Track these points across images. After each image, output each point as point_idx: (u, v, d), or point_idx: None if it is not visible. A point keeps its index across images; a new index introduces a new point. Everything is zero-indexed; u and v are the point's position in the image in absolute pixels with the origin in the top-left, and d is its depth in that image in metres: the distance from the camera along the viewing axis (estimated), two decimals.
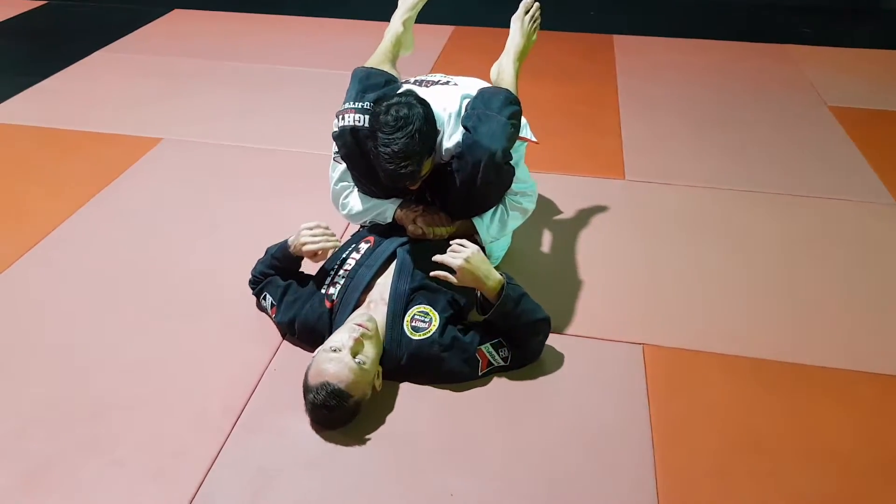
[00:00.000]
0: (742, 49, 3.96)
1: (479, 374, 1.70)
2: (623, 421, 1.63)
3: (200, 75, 3.56)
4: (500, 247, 2.09)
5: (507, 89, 1.85)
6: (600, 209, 2.45)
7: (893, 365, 1.80)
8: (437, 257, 1.66)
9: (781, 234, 2.33)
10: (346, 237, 1.94)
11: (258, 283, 1.91)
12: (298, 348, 1.80)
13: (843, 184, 2.62)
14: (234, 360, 1.78)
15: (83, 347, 1.83)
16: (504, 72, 1.96)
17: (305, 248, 1.78)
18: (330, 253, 1.81)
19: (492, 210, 1.86)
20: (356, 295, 1.73)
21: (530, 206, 1.95)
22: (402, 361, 1.67)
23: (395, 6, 2.17)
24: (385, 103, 1.66)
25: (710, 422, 1.63)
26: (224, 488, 1.46)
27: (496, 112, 1.73)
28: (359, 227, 2.00)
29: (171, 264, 2.16)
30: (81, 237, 2.29)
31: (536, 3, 2.05)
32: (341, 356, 1.53)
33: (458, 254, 1.65)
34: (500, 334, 1.71)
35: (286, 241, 1.85)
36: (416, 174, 1.65)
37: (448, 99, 1.81)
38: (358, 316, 1.66)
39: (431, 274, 1.68)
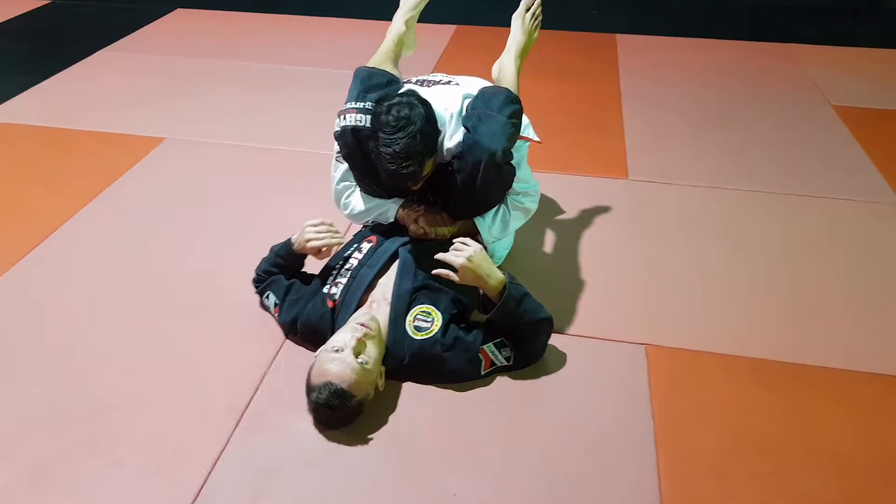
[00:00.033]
0: (745, 48, 3.95)
1: (482, 373, 1.70)
2: (625, 421, 1.62)
3: (203, 74, 3.56)
4: (502, 246, 2.09)
5: (508, 88, 1.85)
6: (603, 209, 2.44)
7: (894, 365, 1.79)
8: (440, 255, 1.66)
9: (784, 234, 2.32)
10: (349, 237, 1.93)
11: (262, 281, 1.91)
12: (301, 348, 1.80)
13: (847, 183, 2.61)
14: (236, 359, 1.78)
15: (85, 347, 1.83)
16: (505, 70, 1.96)
17: (310, 244, 1.78)
18: (334, 250, 1.81)
19: (494, 210, 1.86)
20: (358, 295, 1.73)
21: (532, 206, 1.94)
22: (404, 361, 1.67)
23: (397, 5, 2.16)
24: (386, 103, 1.66)
25: (713, 422, 1.63)
26: (226, 488, 1.46)
27: (496, 112, 1.73)
28: (361, 226, 2.00)
29: (174, 263, 2.16)
30: (84, 237, 2.29)
31: (538, 1, 2.04)
32: (344, 356, 1.53)
33: (461, 252, 1.65)
34: (503, 334, 1.71)
35: (290, 240, 1.85)
36: (417, 174, 1.65)
37: (449, 99, 1.81)
38: (360, 316, 1.66)
39: (433, 272, 1.67)
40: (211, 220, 2.37)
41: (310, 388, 1.54)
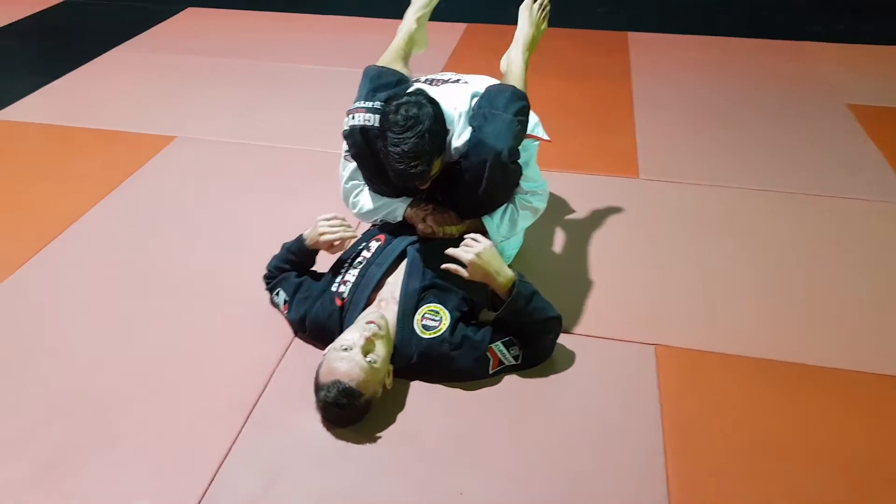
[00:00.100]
0: (758, 46, 3.92)
1: (490, 372, 1.70)
2: (634, 421, 1.62)
3: (214, 73, 3.58)
4: (511, 245, 2.08)
5: (513, 86, 1.83)
6: (613, 208, 2.43)
7: None
8: (450, 251, 1.66)
9: (797, 234, 2.30)
10: (358, 234, 1.93)
11: (272, 278, 1.92)
12: (310, 346, 1.81)
13: (861, 183, 2.58)
14: (245, 357, 1.79)
15: (97, 342, 1.85)
16: (513, 63, 1.95)
17: (323, 238, 1.79)
18: (348, 244, 1.82)
19: (502, 209, 1.86)
20: (367, 293, 1.73)
21: (541, 205, 1.93)
22: (412, 360, 1.67)
23: (407, 3, 2.16)
24: (395, 102, 1.66)
25: (721, 422, 1.62)
26: (235, 484, 1.47)
27: (501, 110, 1.72)
28: (370, 225, 2.00)
29: (186, 260, 2.17)
30: (95, 234, 2.30)
31: None
32: (352, 355, 1.53)
33: (471, 248, 1.65)
34: (511, 332, 1.71)
35: (302, 236, 1.86)
36: (425, 174, 1.65)
37: (458, 97, 1.80)
38: (369, 314, 1.66)
39: (442, 266, 1.67)
40: (224, 217, 2.38)
41: (318, 387, 1.55)
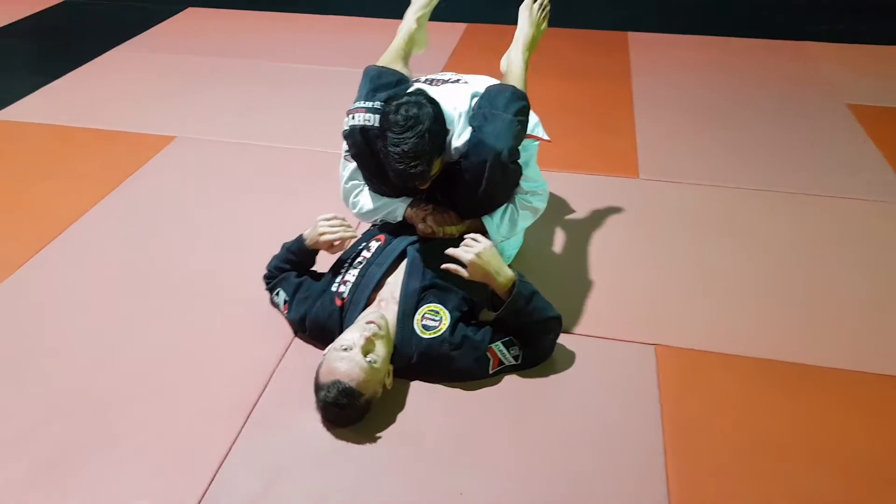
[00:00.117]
0: (759, 46, 3.92)
1: (490, 372, 1.70)
2: (634, 421, 1.62)
3: (214, 73, 3.58)
4: (511, 246, 2.08)
5: (513, 85, 1.83)
6: (613, 208, 2.43)
7: None
8: (450, 250, 1.66)
9: (797, 234, 2.30)
10: (358, 234, 1.93)
11: (272, 278, 1.92)
12: (309, 346, 1.81)
13: (861, 183, 2.58)
14: (246, 356, 1.79)
15: (98, 342, 1.85)
16: (513, 63, 1.95)
17: (323, 238, 1.79)
18: (348, 243, 1.82)
19: (502, 209, 1.86)
20: (367, 293, 1.73)
21: (541, 205, 1.93)
22: (412, 360, 1.67)
23: (406, 3, 2.16)
24: (395, 103, 1.66)
25: (721, 422, 1.62)
26: (235, 484, 1.47)
27: (501, 110, 1.72)
28: (370, 225, 2.00)
29: (186, 260, 2.17)
30: (96, 234, 2.30)
31: None
32: (352, 355, 1.53)
33: (471, 248, 1.65)
34: (511, 332, 1.71)
35: (302, 236, 1.86)
36: (425, 174, 1.65)
37: (458, 97, 1.80)
38: (369, 314, 1.66)
39: (443, 266, 1.67)
40: (224, 218, 2.38)
41: (318, 387, 1.55)
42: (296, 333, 1.85)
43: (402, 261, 1.78)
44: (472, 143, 1.71)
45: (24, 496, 1.44)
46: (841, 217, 2.40)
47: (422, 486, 1.47)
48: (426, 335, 1.66)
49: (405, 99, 1.66)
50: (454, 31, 4.08)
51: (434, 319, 1.68)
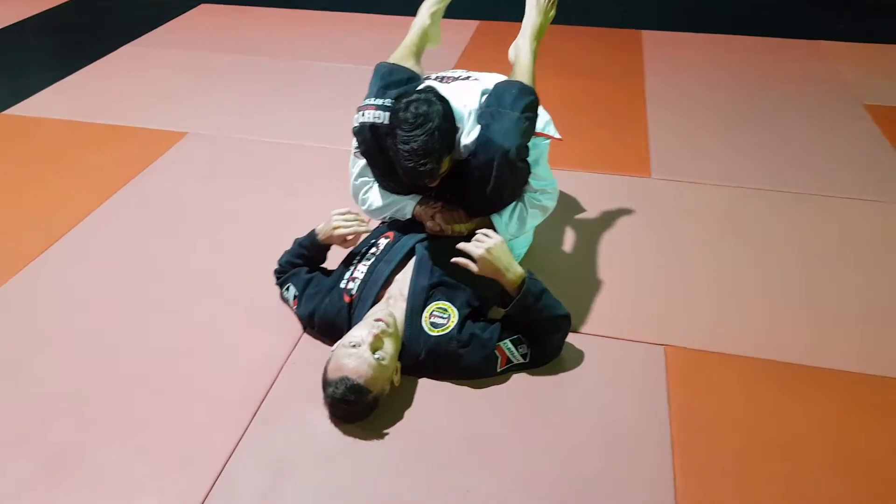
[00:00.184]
0: (774, 45, 3.88)
1: (498, 370, 1.69)
2: (642, 421, 1.61)
3: (226, 70, 3.59)
4: (521, 244, 2.07)
5: (520, 81, 1.81)
6: (625, 208, 2.41)
7: None
8: (461, 245, 1.66)
9: (809, 236, 2.28)
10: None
11: (283, 273, 1.92)
12: (318, 342, 1.81)
13: (876, 185, 2.55)
14: (254, 351, 1.80)
15: (108, 336, 1.86)
16: (521, 53, 1.92)
17: (337, 231, 1.79)
18: (362, 237, 1.82)
19: (511, 207, 1.85)
20: (375, 290, 1.73)
21: (550, 204, 1.92)
22: (420, 357, 1.66)
23: (421, 1, 2.15)
24: (405, 100, 1.66)
25: (730, 424, 1.61)
26: (242, 478, 1.48)
27: (508, 108, 1.71)
28: (378, 222, 2.00)
29: (197, 255, 2.18)
30: (107, 229, 2.32)
31: None
32: (360, 352, 1.53)
33: (481, 243, 1.65)
34: (520, 330, 1.70)
35: (314, 231, 1.86)
36: (434, 172, 1.64)
37: (468, 95, 1.80)
38: (377, 311, 1.66)
39: (452, 260, 1.67)
40: (236, 213, 2.39)
41: (326, 383, 1.55)
42: (305, 329, 1.85)
43: (410, 258, 1.78)
44: (481, 141, 1.70)
45: (23, 496, 1.45)
46: (858, 219, 2.37)
47: (429, 484, 1.47)
48: (434, 332, 1.66)
49: (415, 96, 1.66)
50: (466, 29, 4.07)
51: (442, 317, 1.67)
